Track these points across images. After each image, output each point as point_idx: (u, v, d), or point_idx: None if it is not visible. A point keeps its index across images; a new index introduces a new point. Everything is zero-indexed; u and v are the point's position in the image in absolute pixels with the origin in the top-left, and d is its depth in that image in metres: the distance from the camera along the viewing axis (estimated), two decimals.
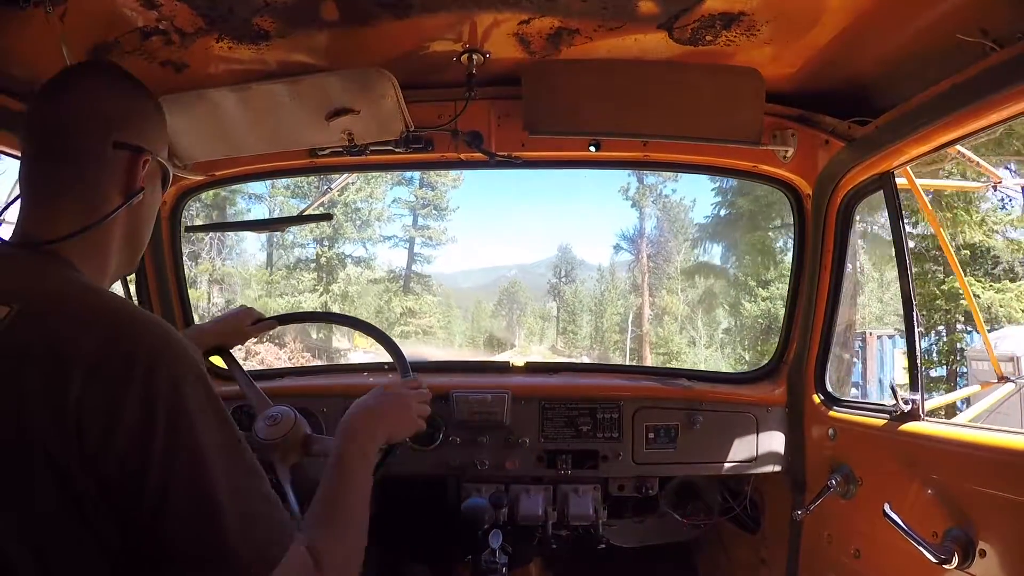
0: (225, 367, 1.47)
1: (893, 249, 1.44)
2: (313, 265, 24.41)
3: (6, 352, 0.62)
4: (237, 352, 1.44)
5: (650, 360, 24.87)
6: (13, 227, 0.78)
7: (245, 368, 1.40)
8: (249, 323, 1.43)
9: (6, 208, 0.87)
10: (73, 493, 0.60)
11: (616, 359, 27.45)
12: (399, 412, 1.04)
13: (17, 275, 0.71)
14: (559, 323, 31.98)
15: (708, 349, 24.41)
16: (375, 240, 26.77)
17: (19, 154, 0.80)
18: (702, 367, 21.86)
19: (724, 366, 21.03)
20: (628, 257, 28.92)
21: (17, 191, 0.80)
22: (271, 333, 1.52)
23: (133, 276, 1.77)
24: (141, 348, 0.64)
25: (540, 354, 28.47)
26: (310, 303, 22.61)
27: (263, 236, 23.14)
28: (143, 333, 0.66)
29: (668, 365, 23.84)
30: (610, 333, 28.88)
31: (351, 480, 0.86)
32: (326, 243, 24.04)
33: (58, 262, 0.73)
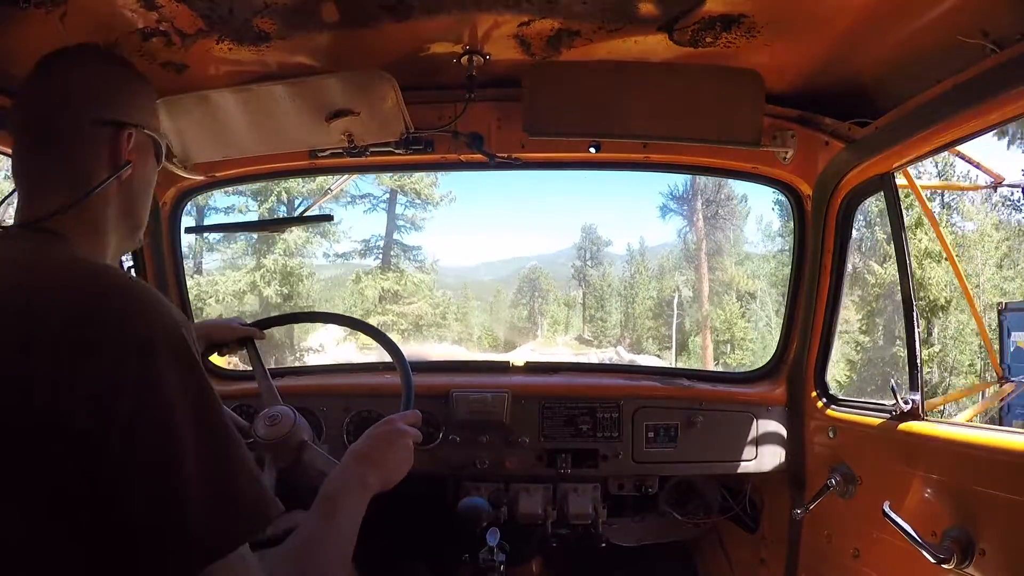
0: (220, 367, 1.47)
1: (893, 249, 1.45)
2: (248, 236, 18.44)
3: None
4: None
5: (710, 350, 20.99)
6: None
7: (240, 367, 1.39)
8: (237, 324, 1.44)
9: (2, 202, 0.90)
10: (44, 458, 0.58)
11: (651, 348, 23.90)
12: (396, 455, 0.99)
13: (7, 252, 0.72)
14: (585, 310, 28.67)
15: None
16: (337, 198, 18.48)
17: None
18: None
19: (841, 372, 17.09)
20: (678, 224, 23.22)
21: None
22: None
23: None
24: (112, 305, 0.63)
25: (566, 344, 25.74)
26: (228, 282, 18.12)
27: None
28: (117, 293, 0.65)
29: (729, 356, 20.75)
30: (643, 319, 25.51)
31: (336, 528, 0.82)
32: (258, 198, 18.06)
33: (53, 238, 0.74)
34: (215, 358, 1.51)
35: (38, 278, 0.67)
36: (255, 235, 18.62)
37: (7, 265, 0.69)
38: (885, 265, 16.38)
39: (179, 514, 0.60)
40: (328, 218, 1.88)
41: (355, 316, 1.86)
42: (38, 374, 0.59)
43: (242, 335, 1.42)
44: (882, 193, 1.48)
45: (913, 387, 1.39)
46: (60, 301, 0.63)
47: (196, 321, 1.68)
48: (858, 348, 17.85)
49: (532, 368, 2.03)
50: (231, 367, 2.11)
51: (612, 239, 31.66)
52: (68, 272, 0.68)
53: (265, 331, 1.47)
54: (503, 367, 2.04)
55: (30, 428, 0.58)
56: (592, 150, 1.62)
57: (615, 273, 28.12)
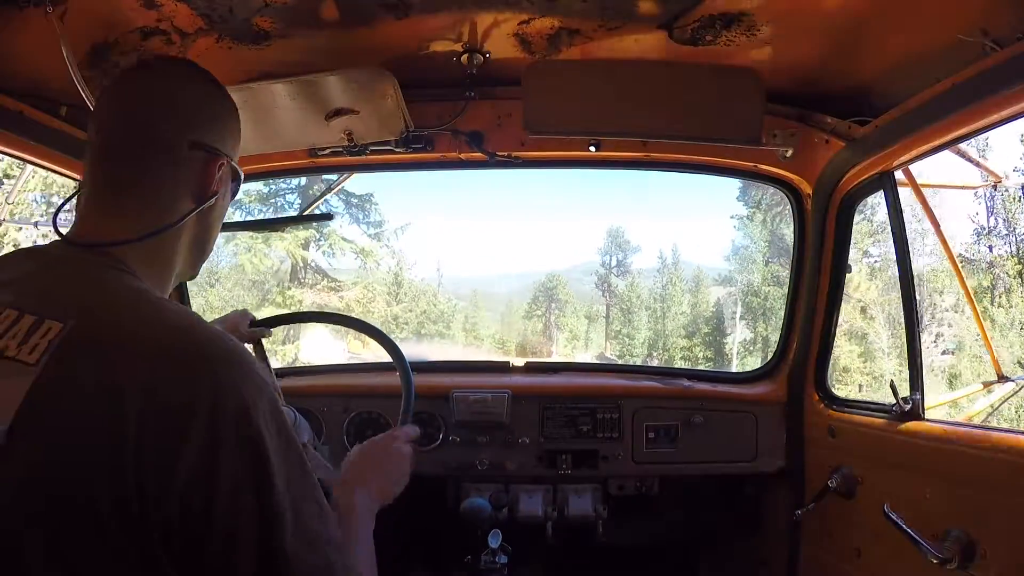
0: None
1: (894, 248, 1.45)
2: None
3: (59, 386, 0.55)
4: None
5: None
6: (72, 225, 0.72)
7: None
8: (247, 326, 1.42)
9: (60, 208, 0.78)
10: (136, 540, 0.53)
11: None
12: (397, 467, 0.96)
13: (72, 283, 0.63)
14: (608, 325, 25.23)
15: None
16: None
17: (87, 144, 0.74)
18: None
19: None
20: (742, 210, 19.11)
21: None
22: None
23: None
24: (203, 375, 0.57)
25: None
26: None
27: None
28: (206, 358, 0.59)
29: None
30: (675, 337, 22.25)
31: (354, 533, 0.81)
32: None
33: (117, 268, 0.66)
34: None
35: (122, 318, 0.60)
36: None
37: (79, 291, 0.62)
38: None
39: None
40: (328, 217, 1.88)
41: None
42: (122, 434, 0.53)
43: (252, 335, 1.37)
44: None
45: (913, 387, 1.38)
46: (150, 354, 0.57)
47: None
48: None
49: (532, 368, 2.03)
50: None
51: (642, 244, 28.40)
52: (157, 319, 0.61)
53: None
54: (503, 367, 2.04)
55: (115, 499, 0.53)
56: (592, 148, 1.62)
57: (645, 284, 24.82)
